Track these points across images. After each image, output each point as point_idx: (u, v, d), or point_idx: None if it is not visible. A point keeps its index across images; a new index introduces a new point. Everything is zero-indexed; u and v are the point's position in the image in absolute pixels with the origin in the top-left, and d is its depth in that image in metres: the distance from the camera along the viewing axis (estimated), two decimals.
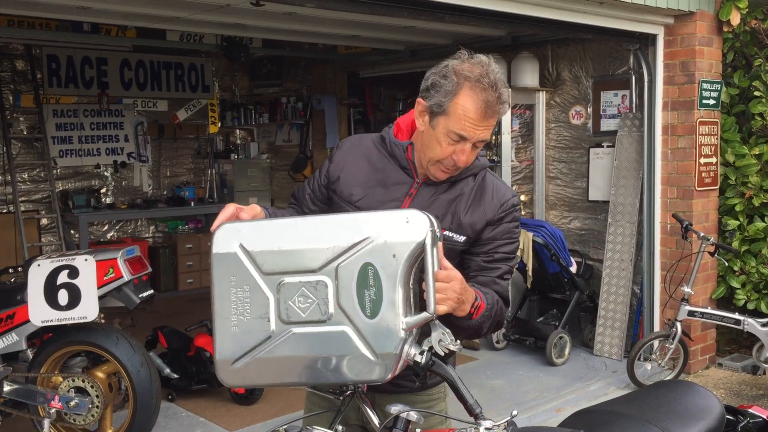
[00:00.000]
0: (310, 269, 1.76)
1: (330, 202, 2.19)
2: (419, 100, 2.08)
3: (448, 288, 1.79)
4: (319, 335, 1.76)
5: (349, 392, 1.99)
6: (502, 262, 2.12)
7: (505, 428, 1.70)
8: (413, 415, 1.81)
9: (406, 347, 1.75)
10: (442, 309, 1.77)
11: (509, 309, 2.12)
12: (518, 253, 5.84)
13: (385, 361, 1.73)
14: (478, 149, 2.04)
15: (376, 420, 1.93)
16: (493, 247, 2.11)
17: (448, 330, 1.79)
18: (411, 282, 1.76)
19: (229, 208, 1.94)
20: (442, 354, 1.79)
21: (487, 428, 1.71)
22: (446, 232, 2.06)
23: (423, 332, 1.80)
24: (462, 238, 2.09)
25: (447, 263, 1.82)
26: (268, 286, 1.79)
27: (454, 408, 2.31)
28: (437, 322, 1.78)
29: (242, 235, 1.83)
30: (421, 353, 1.78)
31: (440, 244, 1.79)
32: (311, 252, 1.77)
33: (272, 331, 1.78)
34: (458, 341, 1.80)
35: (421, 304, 1.77)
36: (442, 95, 1.99)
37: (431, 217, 1.76)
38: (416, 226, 1.72)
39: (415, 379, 2.04)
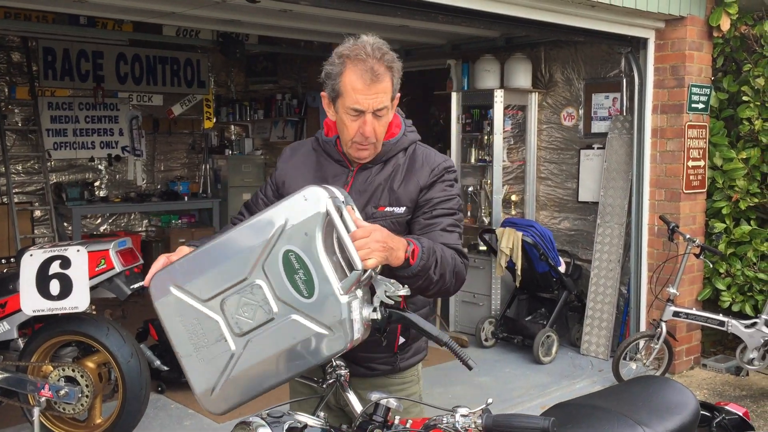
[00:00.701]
0: (241, 278, 1.86)
1: None
2: (322, 93, 2.19)
3: (368, 241, 1.82)
4: (274, 333, 1.85)
5: (332, 380, 2.05)
6: (442, 216, 2.18)
7: (480, 416, 1.75)
8: (393, 402, 1.87)
9: (357, 310, 1.83)
10: (371, 262, 1.82)
11: (467, 262, 2.24)
12: (507, 251, 5.91)
13: (339, 330, 1.80)
14: (381, 118, 2.13)
15: (357, 407, 1.99)
16: (431, 206, 2.18)
17: (391, 280, 1.88)
18: (336, 251, 1.84)
19: (160, 260, 2.02)
20: (393, 303, 1.88)
21: (462, 415, 1.76)
22: (387, 208, 2.17)
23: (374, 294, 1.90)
24: (402, 209, 2.18)
25: (362, 222, 1.90)
26: (213, 311, 1.89)
27: (426, 392, 2.38)
28: (379, 277, 1.88)
29: (172, 276, 1.94)
30: (375, 310, 1.88)
31: (350, 207, 1.89)
32: (235, 263, 1.86)
33: (233, 349, 1.89)
34: (405, 286, 1.88)
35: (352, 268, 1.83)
36: (333, 79, 2.11)
37: (329, 187, 1.87)
38: (314, 200, 1.80)
39: (390, 361, 2.23)
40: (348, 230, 1.82)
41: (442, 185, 2.21)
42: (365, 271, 1.81)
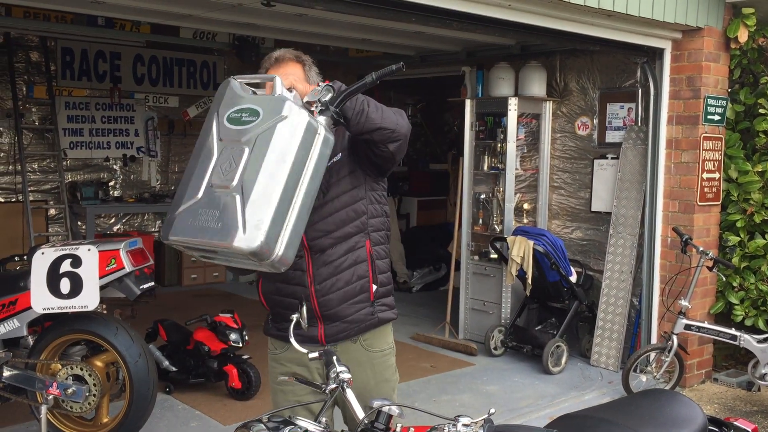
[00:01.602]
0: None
1: None
2: None
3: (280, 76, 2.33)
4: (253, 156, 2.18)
5: (334, 386, 2.04)
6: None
7: (482, 426, 1.74)
8: (395, 410, 1.86)
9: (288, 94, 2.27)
10: (286, 81, 2.31)
11: (405, 116, 2.54)
12: (518, 260, 5.89)
13: (282, 109, 2.19)
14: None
15: (360, 413, 1.98)
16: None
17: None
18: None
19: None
20: (330, 93, 2.30)
21: (464, 425, 1.75)
22: (332, 160, 2.46)
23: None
24: (338, 156, 2.53)
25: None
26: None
27: (433, 399, 2.39)
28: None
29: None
30: (317, 100, 2.29)
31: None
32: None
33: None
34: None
35: None
36: None
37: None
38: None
39: (369, 311, 2.59)
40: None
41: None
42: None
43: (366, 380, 2.60)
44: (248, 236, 2.06)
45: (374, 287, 2.60)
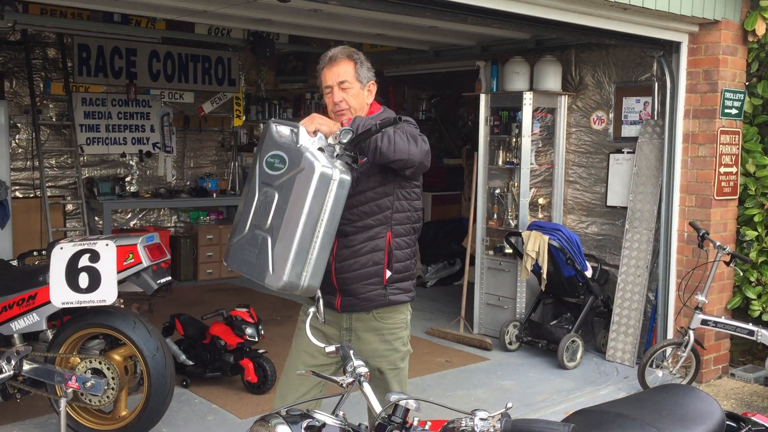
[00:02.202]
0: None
1: None
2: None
3: (306, 121, 2.64)
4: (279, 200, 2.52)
5: (351, 380, 2.06)
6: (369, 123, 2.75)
7: (499, 420, 1.75)
8: (412, 404, 1.87)
9: (312, 146, 2.53)
10: (310, 127, 2.61)
11: (425, 140, 2.86)
12: (533, 255, 5.88)
13: (306, 161, 2.48)
14: (351, 88, 2.91)
15: (377, 407, 1.99)
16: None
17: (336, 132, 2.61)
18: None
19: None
20: (344, 144, 2.59)
21: (481, 418, 1.76)
22: (364, 160, 2.76)
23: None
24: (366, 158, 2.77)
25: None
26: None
27: (449, 394, 2.40)
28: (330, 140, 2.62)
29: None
30: (337, 143, 2.58)
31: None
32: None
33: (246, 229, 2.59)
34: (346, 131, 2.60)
35: None
36: (318, 81, 3.01)
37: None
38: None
39: (381, 293, 2.88)
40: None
41: (384, 116, 2.87)
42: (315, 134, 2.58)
43: (375, 345, 2.94)
44: (275, 276, 2.45)
45: (388, 273, 2.88)
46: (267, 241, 2.46)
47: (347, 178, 2.53)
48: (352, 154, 2.61)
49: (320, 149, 2.54)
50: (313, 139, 2.54)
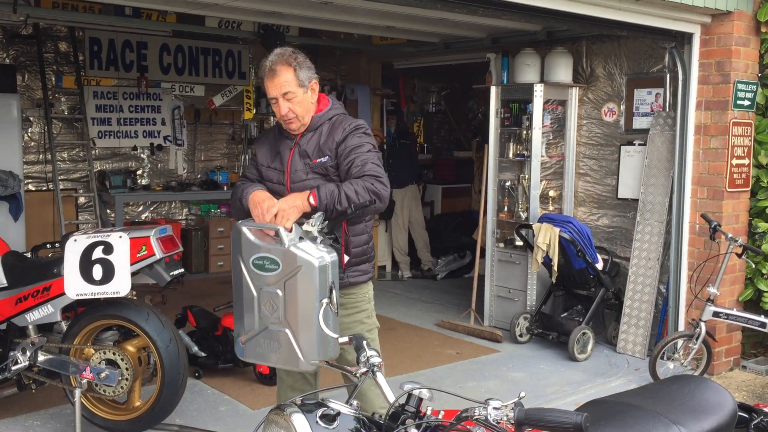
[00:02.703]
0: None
1: (259, 174, 3.27)
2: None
3: (279, 220, 2.84)
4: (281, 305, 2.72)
5: (365, 370, 2.07)
6: (354, 155, 3.03)
7: (512, 408, 1.76)
8: (425, 393, 1.88)
9: (295, 241, 2.71)
10: (288, 224, 2.80)
11: (385, 181, 3.01)
12: (544, 247, 5.88)
13: (295, 259, 2.67)
14: (295, 96, 3.04)
15: (390, 396, 2.00)
16: (347, 152, 3.05)
17: (303, 219, 2.82)
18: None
19: (268, 208, 2.92)
20: (319, 229, 2.81)
21: (495, 407, 1.77)
22: (318, 160, 3.08)
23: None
24: (325, 158, 3.08)
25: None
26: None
27: (459, 385, 2.41)
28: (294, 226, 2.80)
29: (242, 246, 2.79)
30: (315, 229, 2.78)
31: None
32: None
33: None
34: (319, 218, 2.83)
35: None
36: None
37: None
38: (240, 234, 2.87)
39: (342, 278, 3.06)
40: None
41: (353, 136, 3.07)
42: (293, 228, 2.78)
43: (342, 320, 3.15)
44: (309, 360, 2.66)
45: (346, 258, 3.11)
46: (287, 334, 2.68)
47: (336, 257, 2.75)
48: (331, 236, 2.86)
49: (300, 238, 2.75)
50: (292, 235, 2.73)
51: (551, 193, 6.80)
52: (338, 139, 3.08)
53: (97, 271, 3.98)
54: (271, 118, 10.12)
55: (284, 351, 2.70)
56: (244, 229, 2.78)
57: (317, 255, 2.67)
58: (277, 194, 3.15)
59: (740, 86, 5.58)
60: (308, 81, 3.09)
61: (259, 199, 2.98)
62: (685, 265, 5.84)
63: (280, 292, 2.68)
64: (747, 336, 6.05)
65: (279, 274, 2.68)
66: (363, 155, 3.03)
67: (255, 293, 2.74)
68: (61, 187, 8.11)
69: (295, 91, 3.04)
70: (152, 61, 8.69)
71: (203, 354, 5.31)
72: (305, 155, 3.13)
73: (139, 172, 8.90)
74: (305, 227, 2.80)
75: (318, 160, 3.09)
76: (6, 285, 4.25)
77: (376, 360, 2.06)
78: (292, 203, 2.88)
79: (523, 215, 6.72)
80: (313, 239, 2.77)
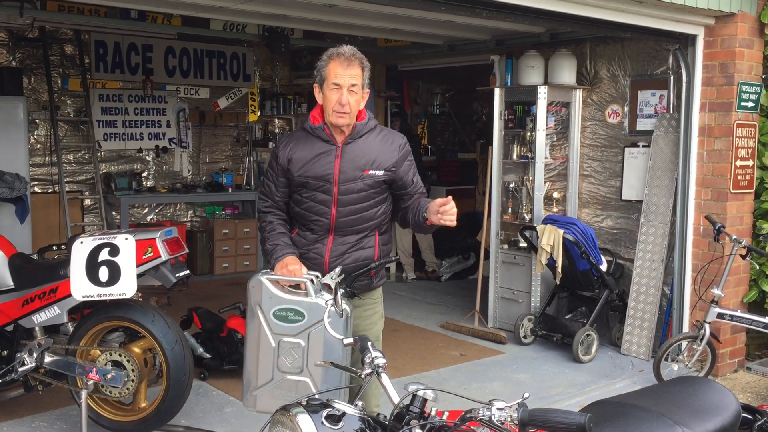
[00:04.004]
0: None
1: (289, 182, 3.20)
2: (314, 85, 3.14)
3: (297, 272, 2.98)
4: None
5: (369, 371, 2.09)
6: (415, 178, 3.25)
7: (516, 409, 1.77)
8: (430, 394, 1.90)
9: (320, 297, 2.83)
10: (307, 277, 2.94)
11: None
12: (548, 248, 5.89)
13: (320, 311, 2.74)
14: (354, 94, 3.04)
15: (395, 397, 2.02)
16: (407, 181, 3.21)
17: (329, 295, 2.82)
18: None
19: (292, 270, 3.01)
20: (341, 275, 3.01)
21: (499, 408, 1.78)
22: (369, 172, 3.12)
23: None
24: (381, 173, 3.14)
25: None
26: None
27: (464, 386, 2.42)
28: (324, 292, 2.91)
29: (263, 299, 2.88)
30: (335, 281, 2.92)
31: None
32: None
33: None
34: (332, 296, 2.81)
35: None
36: (321, 69, 3.09)
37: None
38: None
39: (367, 283, 3.26)
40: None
41: (406, 160, 3.21)
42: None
43: (360, 321, 3.23)
44: None
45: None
46: (308, 383, 2.75)
47: (350, 306, 2.87)
48: (348, 290, 3.01)
49: (320, 290, 2.84)
50: (317, 287, 2.83)
51: (555, 195, 6.81)
52: (395, 159, 3.18)
53: (103, 273, 3.99)
54: (276, 120, 10.17)
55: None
56: (265, 281, 2.84)
57: (341, 306, 2.73)
58: (319, 203, 3.15)
59: (744, 88, 5.59)
60: (366, 87, 3.13)
61: (291, 267, 3.00)
62: (690, 267, 5.85)
63: (303, 343, 2.74)
64: (751, 337, 6.04)
65: (303, 325, 2.75)
66: (418, 179, 3.26)
67: (274, 344, 2.77)
68: (67, 189, 8.14)
69: (359, 89, 3.05)
70: (157, 63, 8.73)
71: (208, 355, 5.33)
72: (355, 164, 3.12)
73: (144, 174, 8.94)
74: (325, 280, 2.90)
75: (370, 172, 3.12)
76: (13, 287, 4.27)
77: (380, 361, 2.08)
78: (300, 265, 3.04)
79: (527, 217, 6.73)
80: (332, 291, 2.82)
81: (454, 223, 2.90)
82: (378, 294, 3.38)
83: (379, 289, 3.40)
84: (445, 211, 2.91)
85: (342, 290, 2.88)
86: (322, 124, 3.14)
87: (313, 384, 2.74)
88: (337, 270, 2.95)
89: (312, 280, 2.84)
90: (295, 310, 2.76)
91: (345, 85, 3.01)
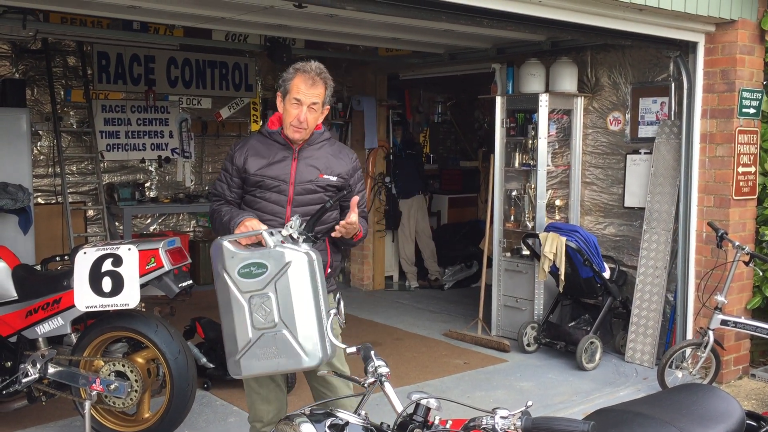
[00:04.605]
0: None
1: (242, 183, 3.31)
2: (277, 93, 3.28)
3: (254, 225, 3.00)
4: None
5: (372, 380, 2.09)
6: (362, 196, 3.31)
7: (519, 417, 1.77)
8: (433, 403, 1.90)
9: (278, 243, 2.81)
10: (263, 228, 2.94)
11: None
12: (551, 256, 5.89)
13: (282, 256, 2.77)
14: (315, 111, 3.17)
15: (398, 406, 2.02)
16: (353, 187, 3.32)
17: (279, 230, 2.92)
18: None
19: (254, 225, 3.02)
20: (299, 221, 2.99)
21: (502, 416, 1.78)
22: (324, 176, 3.23)
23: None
24: (334, 178, 3.25)
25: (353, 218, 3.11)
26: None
27: (467, 395, 2.41)
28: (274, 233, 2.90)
29: (226, 257, 2.83)
30: (295, 231, 2.92)
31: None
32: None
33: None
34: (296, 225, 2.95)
35: None
36: (286, 81, 3.19)
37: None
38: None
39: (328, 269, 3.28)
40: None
41: (357, 172, 3.37)
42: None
43: None
44: (311, 357, 2.72)
45: (328, 270, 3.31)
46: (284, 334, 2.72)
47: (319, 254, 2.87)
48: (310, 236, 3.00)
49: (282, 242, 2.82)
50: (274, 238, 2.82)
51: (557, 203, 6.81)
52: (349, 168, 3.32)
53: (107, 284, 4.01)
54: None
55: (284, 353, 2.72)
56: (225, 243, 2.82)
57: (302, 250, 2.78)
58: (273, 203, 3.22)
59: (745, 94, 5.59)
60: (327, 104, 3.24)
61: (248, 224, 3.03)
62: (693, 274, 5.84)
63: (271, 294, 2.72)
64: (755, 344, 6.03)
65: (268, 276, 2.72)
66: (363, 199, 3.34)
67: (245, 303, 2.75)
68: (70, 200, 8.15)
69: (319, 107, 3.17)
70: (160, 74, 8.76)
71: (212, 365, 5.33)
72: (311, 167, 3.24)
73: (147, 184, 8.95)
74: (284, 231, 2.90)
75: (325, 176, 3.23)
76: (16, 298, 4.28)
77: (384, 370, 2.08)
78: (255, 221, 3.06)
79: (530, 224, 6.73)
80: (295, 241, 2.86)
81: (337, 234, 3.09)
82: (331, 299, 3.36)
83: (330, 295, 3.36)
84: (343, 226, 3.07)
85: (303, 237, 2.91)
86: (279, 129, 3.27)
87: (291, 335, 2.70)
88: (295, 218, 2.95)
89: (272, 233, 2.83)
90: (257, 263, 2.74)
91: (306, 103, 3.13)
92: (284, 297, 2.71)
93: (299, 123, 3.15)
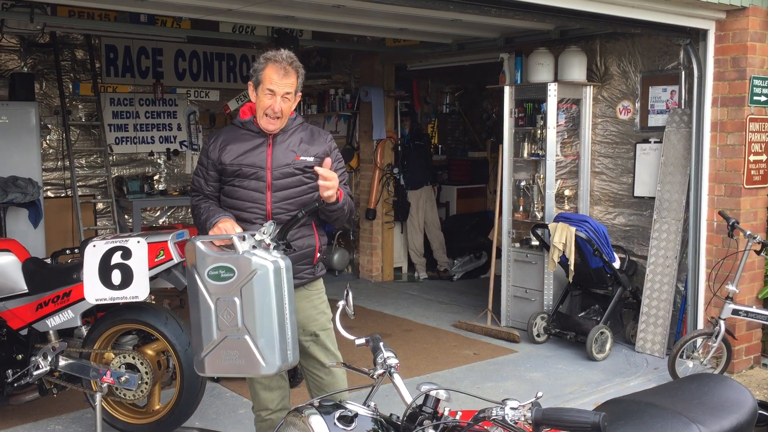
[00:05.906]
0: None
1: (219, 176, 3.31)
2: (249, 83, 3.27)
3: (228, 229, 3.04)
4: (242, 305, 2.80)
5: (382, 371, 2.08)
6: (341, 174, 3.29)
7: (529, 408, 1.76)
8: (443, 394, 1.89)
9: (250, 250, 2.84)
10: (328, 194, 3.08)
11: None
12: (560, 246, 5.86)
13: (249, 263, 2.80)
14: (289, 101, 3.18)
15: (407, 397, 2.01)
16: (335, 168, 3.27)
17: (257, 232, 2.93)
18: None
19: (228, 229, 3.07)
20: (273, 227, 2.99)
21: (512, 407, 1.77)
22: (300, 158, 3.24)
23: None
24: (311, 158, 3.25)
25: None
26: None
27: (477, 386, 2.40)
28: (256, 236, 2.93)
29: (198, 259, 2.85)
30: (267, 236, 2.92)
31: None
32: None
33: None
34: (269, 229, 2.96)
35: None
36: (257, 72, 3.19)
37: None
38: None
39: (311, 271, 3.36)
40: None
41: (333, 151, 3.35)
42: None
43: (309, 312, 3.34)
44: (269, 366, 2.76)
45: (318, 255, 3.36)
46: (246, 340, 2.75)
47: (289, 262, 2.87)
48: (283, 243, 3.01)
49: (254, 247, 2.85)
50: (246, 244, 2.84)
51: (567, 193, 6.78)
52: (324, 148, 3.32)
53: (116, 276, 4.02)
54: None
55: (244, 358, 2.77)
56: (198, 243, 2.86)
57: (270, 258, 2.79)
58: (253, 191, 3.23)
59: (756, 82, 5.54)
60: (299, 91, 3.25)
61: (221, 226, 3.08)
62: (704, 263, 5.81)
63: (237, 300, 2.75)
64: (767, 333, 5.99)
65: (235, 281, 2.75)
66: (344, 174, 3.34)
67: (212, 304, 2.79)
68: (80, 193, 8.19)
69: (292, 96, 3.19)
70: (167, 67, 8.77)
71: None
72: (286, 151, 3.25)
73: (155, 177, 8.97)
74: (257, 236, 2.90)
75: (302, 158, 3.24)
76: (27, 291, 4.30)
77: (393, 361, 2.07)
78: (232, 223, 3.11)
79: (539, 215, 6.70)
80: (266, 247, 2.88)
81: (327, 192, 3.07)
82: (320, 284, 3.45)
83: (320, 281, 3.45)
84: (322, 176, 3.05)
85: (274, 244, 2.92)
86: (252, 118, 3.29)
87: (252, 340, 2.74)
88: (269, 224, 2.96)
89: (244, 237, 2.85)
90: (226, 267, 2.78)
91: (279, 93, 3.14)
92: (248, 304, 2.75)
93: (274, 113, 3.16)
